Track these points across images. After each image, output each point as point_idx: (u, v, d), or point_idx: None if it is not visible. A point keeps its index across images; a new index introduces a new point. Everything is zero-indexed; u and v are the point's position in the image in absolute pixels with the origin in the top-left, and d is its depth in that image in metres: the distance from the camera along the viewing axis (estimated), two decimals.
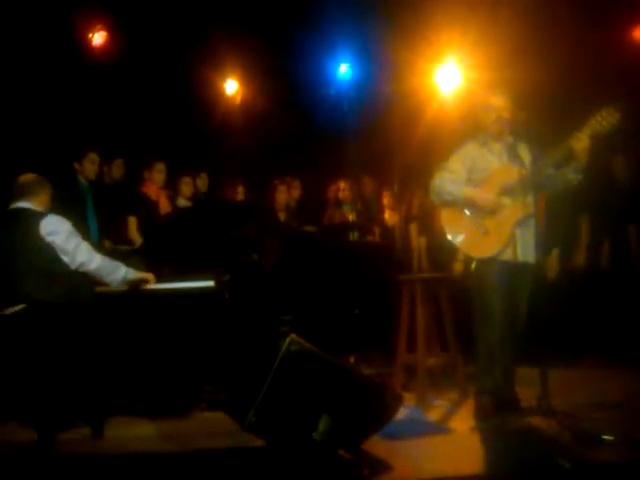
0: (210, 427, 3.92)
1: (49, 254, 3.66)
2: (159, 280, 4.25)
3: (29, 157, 5.77)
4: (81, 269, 3.76)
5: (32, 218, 3.72)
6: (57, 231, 3.70)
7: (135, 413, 4.10)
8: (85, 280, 3.84)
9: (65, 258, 3.70)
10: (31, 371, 3.48)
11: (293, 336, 3.16)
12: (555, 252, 4.63)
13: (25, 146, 5.97)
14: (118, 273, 3.89)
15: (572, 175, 3.75)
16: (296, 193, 6.34)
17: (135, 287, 4.06)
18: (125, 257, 5.05)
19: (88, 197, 5.41)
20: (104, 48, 6.91)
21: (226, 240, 4.69)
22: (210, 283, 4.22)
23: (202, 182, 6.20)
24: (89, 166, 5.37)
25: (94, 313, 3.76)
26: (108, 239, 5.45)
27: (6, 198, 3.93)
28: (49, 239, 3.66)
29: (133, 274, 4.00)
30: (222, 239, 4.67)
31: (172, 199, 5.73)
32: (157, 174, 5.64)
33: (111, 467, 3.26)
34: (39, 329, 3.52)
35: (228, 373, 4.05)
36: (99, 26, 6.89)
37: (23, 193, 3.82)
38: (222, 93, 7.74)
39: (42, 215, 3.75)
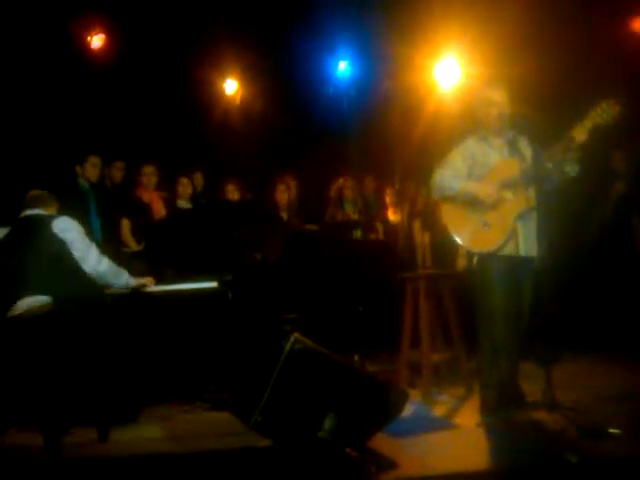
0: (216, 427, 3.92)
1: (61, 249, 3.75)
2: (162, 282, 4.27)
3: (30, 161, 5.79)
4: (89, 270, 3.82)
5: (44, 220, 3.83)
6: (69, 228, 3.82)
7: (140, 414, 4.10)
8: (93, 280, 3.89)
9: (76, 254, 3.79)
10: (37, 373, 3.50)
11: (297, 335, 3.16)
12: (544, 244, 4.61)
13: (26, 150, 5.98)
14: (122, 278, 4.01)
15: (569, 168, 3.74)
16: (295, 191, 6.32)
17: (134, 290, 4.10)
18: (128, 259, 5.09)
19: (90, 200, 5.42)
20: (103, 51, 6.92)
21: (228, 240, 4.69)
22: (213, 284, 4.23)
23: (197, 182, 6.19)
24: (90, 169, 5.38)
25: (104, 313, 3.80)
26: (109, 242, 5.46)
27: (9, 202, 3.98)
28: (61, 235, 3.77)
29: (134, 281, 4.10)
30: (224, 239, 4.68)
31: (167, 201, 5.72)
32: (146, 177, 5.63)
33: (117, 469, 3.27)
34: (46, 330, 3.54)
35: (233, 373, 4.06)
36: (97, 29, 6.90)
37: (35, 203, 3.94)
38: (222, 93, 7.74)
39: (54, 216, 3.88)
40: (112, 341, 3.77)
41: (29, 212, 3.90)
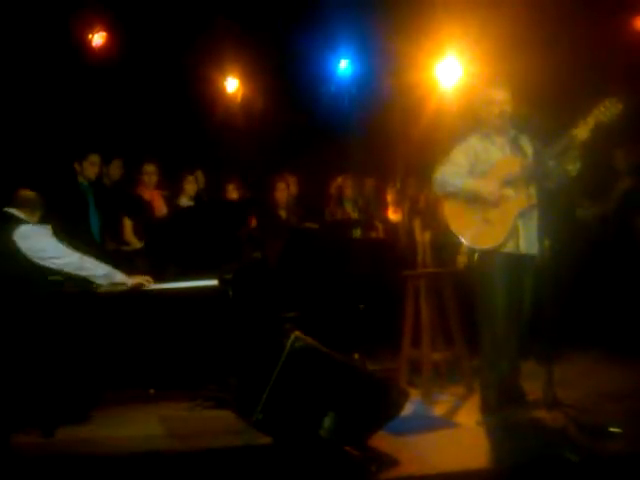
0: (217, 425, 3.92)
1: (18, 259, 3.79)
2: (163, 279, 4.26)
3: (29, 159, 5.78)
4: (55, 266, 3.84)
5: (13, 224, 3.88)
6: (28, 236, 3.84)
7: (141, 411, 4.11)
8: (42, 276, 3.89)
9: (33, 256, 3.81)
10: None
11: (297, 333, 3.16)
12: (546, 243, 4.63)
13: (25, 148, 5.98)
14: (97, 270, 3.90)
15: (570, 166, 3.73)
16: (293, 189, 6.32)
17: (134, 289, 4.07)
18: (128, 257, 5.08)
19: (90, 198, 5.42)
20: (104, 48, 6.92)
21: (229, 238, 4.69)
22: (214, 282, 4.22)
23: (199, 180, 6.19)
24: (89, 167, 5.38)
25: (48, 309, 3.81)
26: (110, 240, 5.46)
27: (7, 201, 3.99)
28: (19, 243, 3.80)
29: (120, 276, 3.98)
30: (225, 237, 4.68)
31: (168, 199, 5.73)
32: (147, 176, 5.64)
33: (119, 466, 3.26)
34: None
35: (234, 371, 4.05)
36: (99, 27, 6.90)
37: (16, 203, 3.98)
38: (223, 91, 7.74)
39: (23, 222, 3.91)
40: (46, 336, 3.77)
41: (9, 210, 3.97)
